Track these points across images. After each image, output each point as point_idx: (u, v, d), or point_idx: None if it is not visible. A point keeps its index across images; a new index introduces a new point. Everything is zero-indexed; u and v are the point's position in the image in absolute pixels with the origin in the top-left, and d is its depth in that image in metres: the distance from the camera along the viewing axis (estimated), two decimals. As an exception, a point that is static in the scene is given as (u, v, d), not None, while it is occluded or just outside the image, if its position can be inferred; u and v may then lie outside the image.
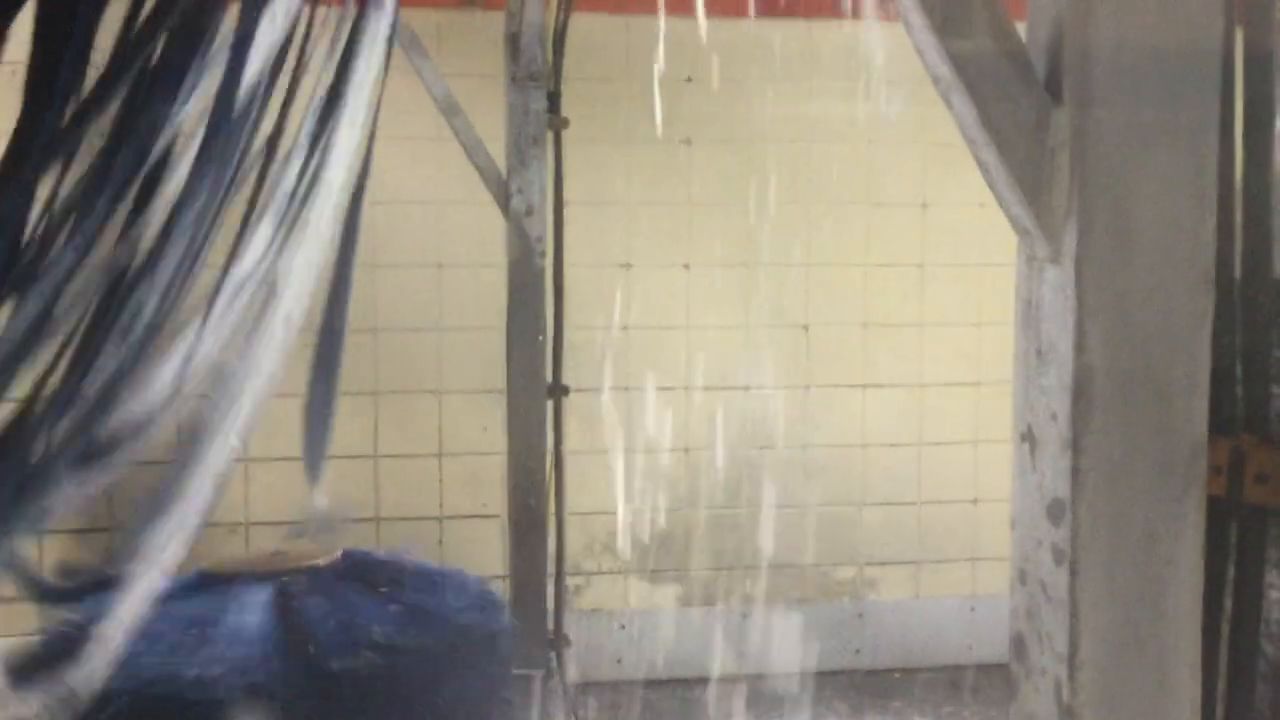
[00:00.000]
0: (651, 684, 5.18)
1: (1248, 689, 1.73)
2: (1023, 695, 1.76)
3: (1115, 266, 1.61)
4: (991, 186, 1.68)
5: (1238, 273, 1.72)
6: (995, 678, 5.58)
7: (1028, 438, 1.70)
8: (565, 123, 4.91)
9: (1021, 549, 1.73)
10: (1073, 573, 1.64)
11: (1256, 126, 1.75)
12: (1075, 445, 1.63)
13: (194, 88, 1.65)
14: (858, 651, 5.73)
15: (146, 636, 3.74)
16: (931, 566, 5.83)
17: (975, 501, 5.80)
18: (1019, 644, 1.76)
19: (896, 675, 5.71)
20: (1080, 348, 1.62)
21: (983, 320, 5.72)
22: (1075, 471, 1.63)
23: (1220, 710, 1.73)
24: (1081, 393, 1.62)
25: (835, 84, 5.42)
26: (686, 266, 5.50)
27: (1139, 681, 1.65)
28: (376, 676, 3.76)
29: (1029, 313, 1.70)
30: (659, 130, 5.28)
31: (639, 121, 5.45)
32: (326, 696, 3.68)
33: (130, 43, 1.57)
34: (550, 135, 4.88)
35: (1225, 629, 1.74)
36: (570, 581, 5.36)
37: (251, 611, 3.81)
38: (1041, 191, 1.62)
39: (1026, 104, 1.61)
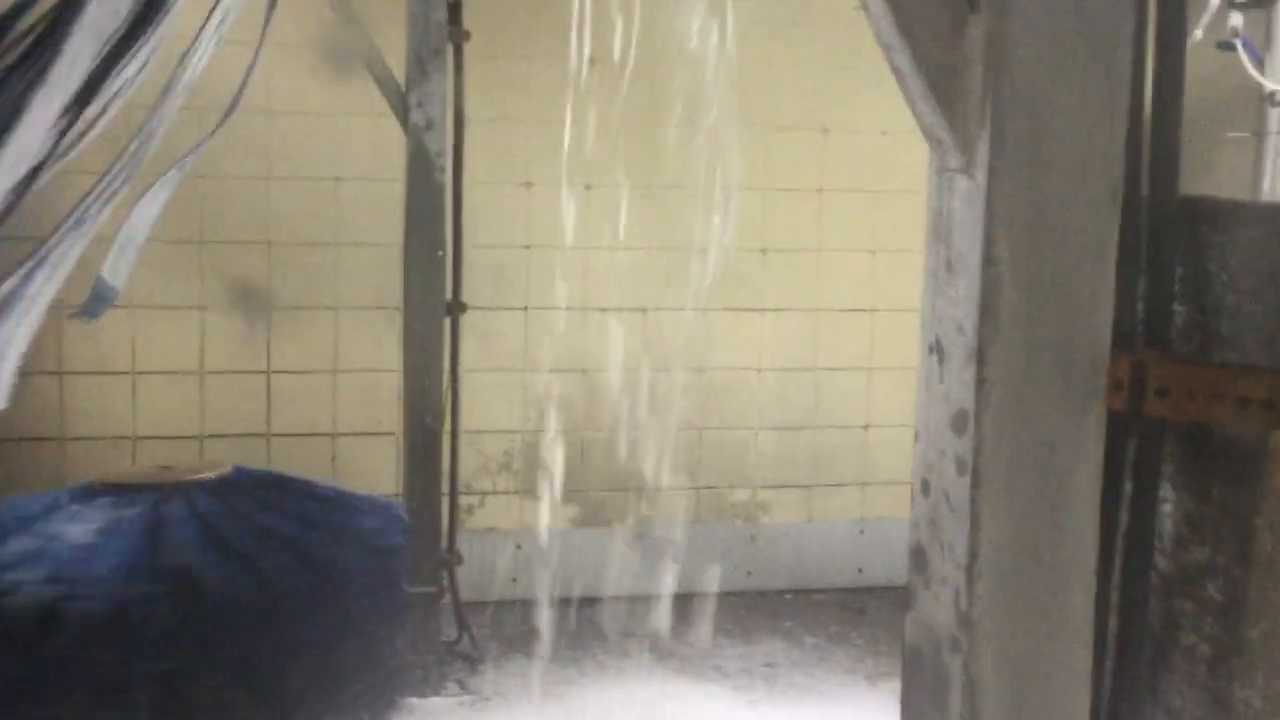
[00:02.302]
0: (548, 603, 5.18)
1: (1140, 601, 1.76)
2: (920, 605, 1.77)
3: (1027, 179, 1.61)
4: (905, 95, 1.66)
5: (1144, 189, 1.73)
6: (882, 599, 5.68)
7: (935, 349, 1.70)
8: (467, 35, 4.81)
9: (925, 460, 1.74)
10: (975, 483, 1.65)
11: (1168, 44, 1.75)
12: (981, 357, 1.63)
13: None
14: (750, 573, 5.78)
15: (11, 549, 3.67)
16: (824, 490, 5.89)
17: (867, 427, 5.86)
18: (919, 555, 1.77)
19: (788, 597, 5.78)
20: (989, 259, 1.62)
21: (880, 246, 5.75)
22: (980, 383, 1.64)
23: (1114, 621, 1.76)
24: (989, 304, 1.62)
25: (740, 5, 5.37)
26: (588, 187, 5.45)
27: (1035, 591, 1.67)
28: (246, 591, 3.70)
29: (939, 224, 1.70)
30: (561, 48, 5.19)
31: (541, 37, 5.37)
32: (192, 613, 3.61)
33: None
34: (451, 48, 4.78)
35: (1120, 542, 1.76)
36: (464, 500, 5.33)
37: (124, 526, 3.74)
38: (956, 101, 1.61)
39: (943, 10, 1.60)
